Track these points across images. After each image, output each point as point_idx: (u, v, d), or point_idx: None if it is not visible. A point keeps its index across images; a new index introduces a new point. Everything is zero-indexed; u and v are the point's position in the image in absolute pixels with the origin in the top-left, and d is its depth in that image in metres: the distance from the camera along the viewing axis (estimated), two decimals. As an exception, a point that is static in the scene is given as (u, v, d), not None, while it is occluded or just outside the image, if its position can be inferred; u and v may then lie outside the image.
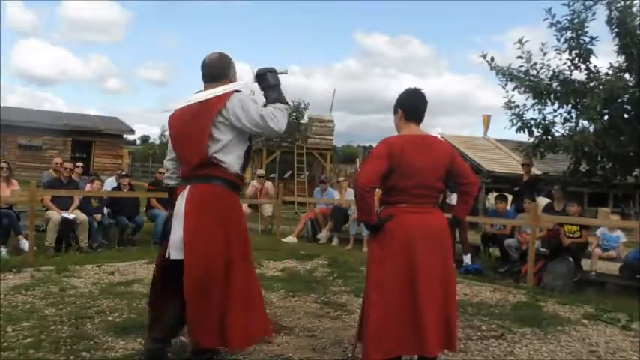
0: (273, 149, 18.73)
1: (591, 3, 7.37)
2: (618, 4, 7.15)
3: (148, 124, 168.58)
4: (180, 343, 2.99)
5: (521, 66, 7.81)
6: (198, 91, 2.74)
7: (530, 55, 7.76)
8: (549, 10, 7.59)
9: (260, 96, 2.72)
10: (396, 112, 2.89)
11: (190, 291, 2.52)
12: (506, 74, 7.89)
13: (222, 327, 2.53)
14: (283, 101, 2.62)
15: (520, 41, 7.74)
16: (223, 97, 2.56)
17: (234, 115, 2.53)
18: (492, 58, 8.00)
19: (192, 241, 2.53)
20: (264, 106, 2.60)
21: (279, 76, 2.69)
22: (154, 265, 2.87)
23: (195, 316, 2.54)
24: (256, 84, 2.69)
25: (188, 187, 2.64)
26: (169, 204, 2.84)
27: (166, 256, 2.64)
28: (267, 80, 2.64)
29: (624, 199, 15.30)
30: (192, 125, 2.60)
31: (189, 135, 2.62)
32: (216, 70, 2.72)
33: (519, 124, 7.90)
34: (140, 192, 9.13)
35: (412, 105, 2.86)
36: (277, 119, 2.53)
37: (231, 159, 2.63)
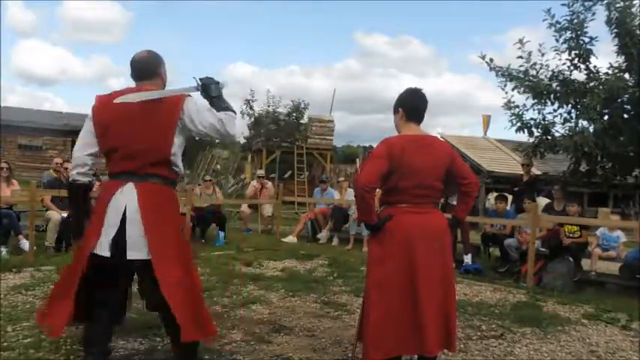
0: (273, 149, 18.74)
1: (591, 3, 7.38)
2: (618, 5, 7.16)
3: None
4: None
5: (521, 66, 7.83)
6: (128, 88, 2.68)
7: (530, 55, 7.78)
8: (549, 10, 7.61)
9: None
10: (396, 111, 2.89)
11: (169, 289, 2.50)
12: (506, 75, 7.90)
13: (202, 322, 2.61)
14: (234, 110, 2.72)
15: (521, 41, 7.75)
16: (181, 99, 2.60)
17: (190, 117, 2.59)
18: (491, 59, 8.02)
19: (159, 242, 2.53)
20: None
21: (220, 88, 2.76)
22: (81, 267, 2.53)
23: (186, 312, 2.51)
24: (198, 92, 2.74)
25: (130, 184, 2.57)
26: (83, 202, 2.76)
27: (105, 256, 2.52)
28: (212, 90, 2.70)
29: (624, 199, 15.29)
30: (151, 122, 2.57)
31: (146, 132, 2.56)
32: (150, 66, 2.72)
33: (519, 124, 7.91)
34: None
35: (413, 105, 2.86)
36: (235, 125, 2.66)
37: (179, 161, 2.69)
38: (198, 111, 2.60)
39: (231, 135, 2.68)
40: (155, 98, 2.57)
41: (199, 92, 2.72)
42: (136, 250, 2.51)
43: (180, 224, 2.75)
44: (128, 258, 2.52)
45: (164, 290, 2.47)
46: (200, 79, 2.73)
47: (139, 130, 2.56)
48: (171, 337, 2.73)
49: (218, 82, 2.74)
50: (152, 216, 2.54)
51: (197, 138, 2.85)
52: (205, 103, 2.69)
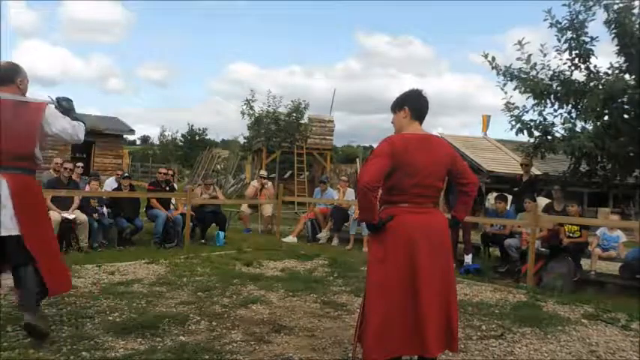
0: (273, 149, 18.72)
1: (591, 4, 7.37)
2: (616, 6, 7.15)
3: (148, 124, 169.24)
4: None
5: (521, 67, 7.81)
6: None
7: (530, 56, 7.76)
8: (549, 11, 7.60)
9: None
10: (401, 109, 2.87)
11: (42, 252, 3.14)
12: (507, 74, 7.89)
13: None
14: (83, 121, 3.45)
15: (520, 42, 7.73)
16: (42, 106, 3.21)
17: (47, 121, 3.20)
18: (493, 58, 8.00)
19: (28, 220, 3.11)
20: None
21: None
22: None
23: (52, 271, 3.18)
24: (52, 106, 3.32)
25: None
26: None
27: None
28: (64, 105, 3.35)
29: (624, 199, 15.29)
30: (17, 122, 3.08)
31: (14, 131, 3.05)
32: (8, 74, 3.21)
33: (519, 125, 7.89)
34: (140, 192, 9.13)
35: (418, 105, 2.86)
36: (83, 132, 3.39)
37: (40, 155, 3.27)
38: (54, 116, 3.25)
39: (80, 140, 3.37)
40: (22, 102, 3.09)
41: (54, 106, 3.31)
42: (9, 228, 3.05)
43: (45, 205, 3.48)
44: (2, 235, 3.05)
45: (35, 255, 3.08)
46: (57, 97, 3.35)
47: (8, 130, 3.04)
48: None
49: (71, 100, 3.40)
50: (20, 200, 3.09)
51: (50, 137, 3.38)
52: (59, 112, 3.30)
